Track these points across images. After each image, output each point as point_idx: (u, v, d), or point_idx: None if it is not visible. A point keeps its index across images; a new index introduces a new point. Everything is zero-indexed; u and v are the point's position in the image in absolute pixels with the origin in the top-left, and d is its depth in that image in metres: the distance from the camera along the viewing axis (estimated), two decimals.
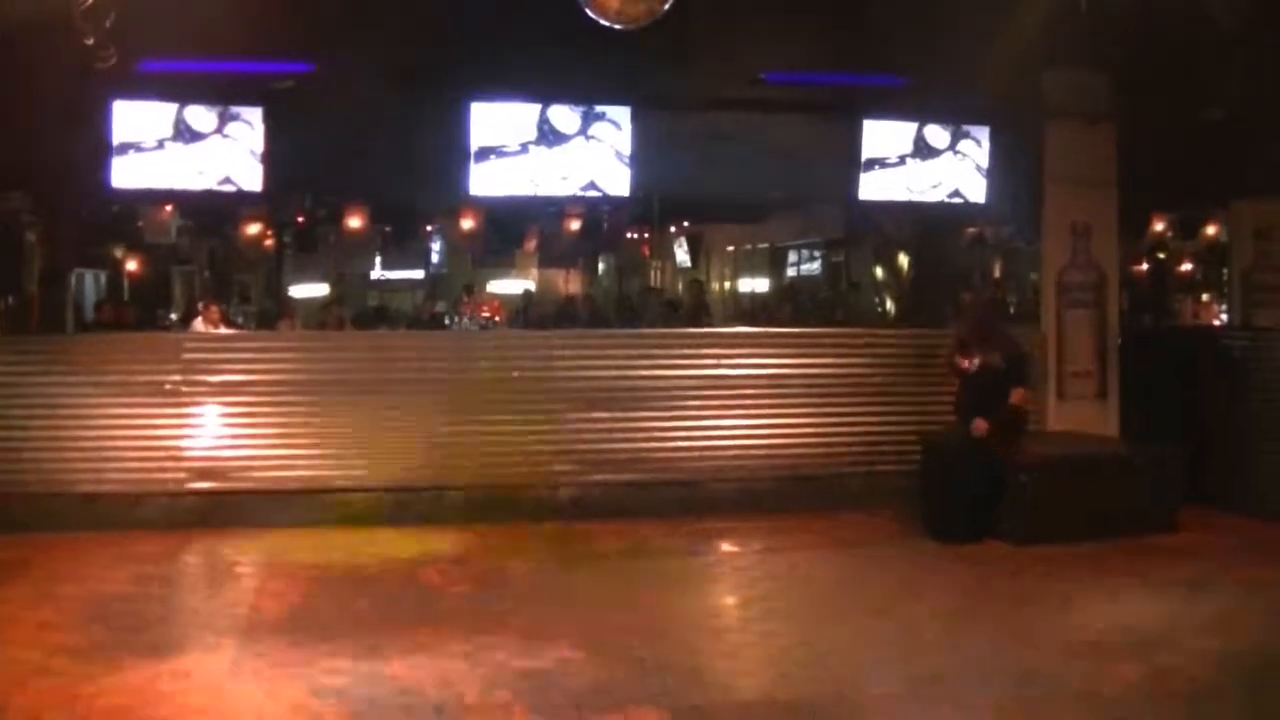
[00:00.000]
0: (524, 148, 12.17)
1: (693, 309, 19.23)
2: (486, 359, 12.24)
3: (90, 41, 9.62)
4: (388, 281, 28.78)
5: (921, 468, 11.39)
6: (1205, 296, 20.90)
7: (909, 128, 12.93)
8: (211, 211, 19.53)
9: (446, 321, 20.89)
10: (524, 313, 21.39)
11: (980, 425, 10.82)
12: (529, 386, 11.99)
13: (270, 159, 11.78)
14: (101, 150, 11.38)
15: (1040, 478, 10.81)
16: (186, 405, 11.44)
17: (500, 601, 8.91)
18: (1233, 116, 12.24)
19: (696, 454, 12.15)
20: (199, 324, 15.10)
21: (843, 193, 13.87)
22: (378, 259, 27.56)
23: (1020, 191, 13.26)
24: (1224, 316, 18.88)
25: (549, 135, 12.20)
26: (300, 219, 21.12)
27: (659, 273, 27.77)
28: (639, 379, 12.11)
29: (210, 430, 11.47)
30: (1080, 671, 7.26)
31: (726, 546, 11.12)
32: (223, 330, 14.85)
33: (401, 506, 11.58)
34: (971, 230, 18.81)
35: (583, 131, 12.26)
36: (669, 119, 12.76)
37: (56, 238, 15.97)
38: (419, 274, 28.54)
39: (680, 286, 26.09)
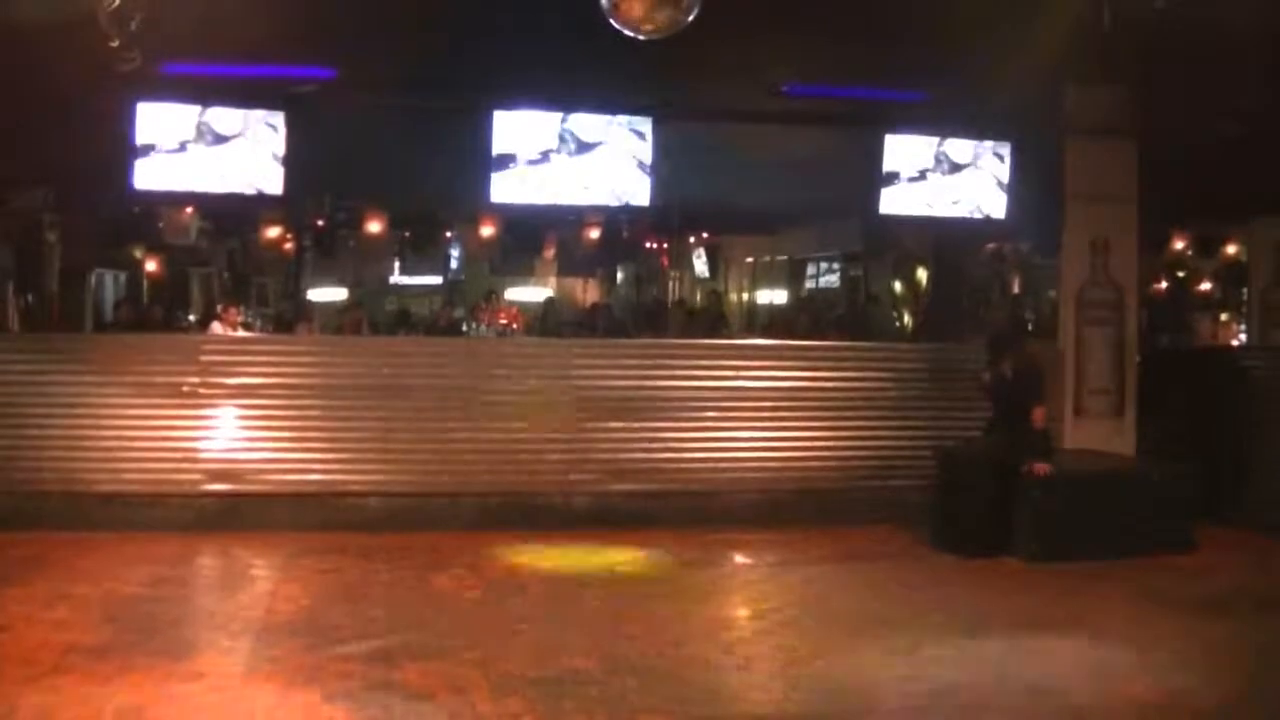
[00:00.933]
0: (545, 156, 12.15)
1: (711, 320, 19.20)
2: (504, 366, 12.26)
3: (115, 43, 9.65)
4: (406, 287, 28.79)
5: (937, 482, 11.38)
6: (1224, 316, 20.85)
7: (930, 142, 12.89)
8: (231, 214, 19.58)
9: (464, 328, 20.87)
10: (544, 320, 21.34)
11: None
12: (546, 394, 12.02)
13: (291, 163, 11.78)
14: (124, 151, 11.40)
15: (1056, 494, 10.79)
16: (204, 407, 11.49)
17: (513, 609, 8.91)
18: (1253, 133, 12.21)
19: (713, 465, 12.18)
20: (217, 326, 15.15)
21: (863, 206, 13.86)
22: (396, 264, 27.58)
23: (1041, 207, 13.23)
24: (1243, 336, 18.85)
25: (570, 144, 12.18)
26: (320, 223, 21.16)
27: (677, 283, 27.76)
28: (656, 389, 12.14)
29: (227, 432, 11.52)
30: (1092, 690, 7.24)
31: (740, 558, 11.13)
32: (241, 333, 14.89)
33: (416, 512, 11.61)
34: (990, 246, 18.79)
35: (604, 141, 12.23)
36: (690, 129, 12.76)
37: (77, 237, 16.04)
38: (437, 280, 28.56)
39: (698, 297, 26.07)
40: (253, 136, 11.70)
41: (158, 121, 11.51)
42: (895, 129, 12.82)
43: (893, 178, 12.85)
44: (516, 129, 12.15)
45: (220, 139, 11.65)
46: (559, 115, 12.16)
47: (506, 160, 12.08)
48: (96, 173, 12.14)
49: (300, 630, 8.18)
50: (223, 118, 11.62)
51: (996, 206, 13.14)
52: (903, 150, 12.88)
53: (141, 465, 11.36)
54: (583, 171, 12.21)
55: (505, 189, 12.20)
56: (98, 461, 11.29)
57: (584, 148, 12.16)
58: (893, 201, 12.92)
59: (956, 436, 11.86)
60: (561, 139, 12.15)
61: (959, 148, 12.95)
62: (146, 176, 11.56)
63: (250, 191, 11.90)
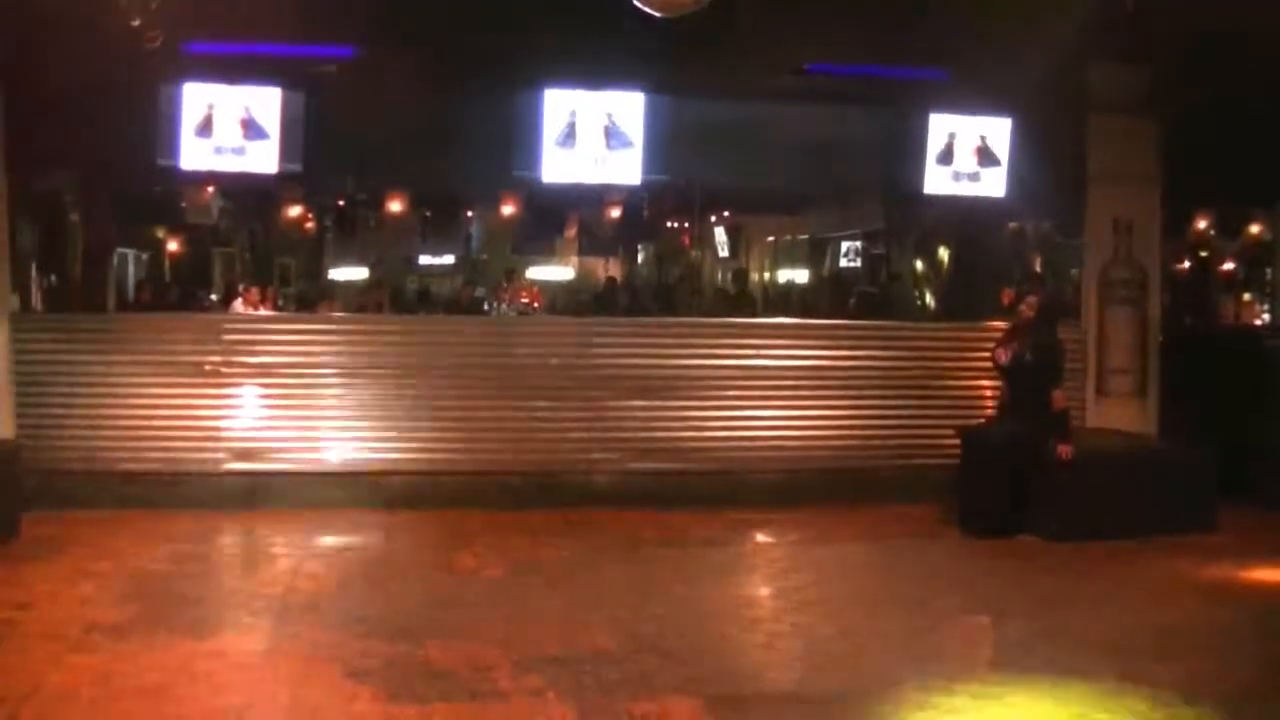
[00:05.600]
0: (570, 134, 12.08)
1: (738, 299, 19.22)
2: (525, 345, 12.26)
3: (136, 23, 9.66)
4: (427, 266, 28.83)
5: (959, 461, 11.35)
6: (1247, 296, 20.76)
7: (961, 121, 12.77)
8: (252, 193, 19.59)
9: (485, 307, 20.89)
10: (605, 299, 21.05)
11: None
12: (567, 373, 12.03)
13: (314, 143, 11.76)
14: (146, 130, 11.41)
15: (1077, 474, 10.75)
16: (225, 386, 11.52)
17: (534, 588, 8.93)
18: (1278, 113, 12.14)
19: (734, 444, 12.17)
20: (239, 305, 15.19)
21: (887, 185, 13.81)
22: (418, 244, 27.61)
23: (1064, 186, 13.18)
24: (1266, 316, 18.78)
25: (594, 123, 12.11)
26: (341, 203, 21.19)
27: (700, 262, 27.76)
28: (678, 367, 12.13)
29: (249, 411, 11.55)
30: (1115, 669, 7.22)
31: (762, 537, 11.12)
32: (262, 312, 14.92)
33: (438, 490, 11.62)
34: (1012, 225, 18.72)
35: (627, 119, 12.16)
36: (714, 108, 12.71)
37: (99, 218, 16.07)
38: (458, 259, 28.60)
39: (719, 276, 26.07)
40: (273, 116, 11.66)
41: (179, 100, 11.51)
42: (918, 107, 12.73)
43: (946, 156, 12.71)
44: (539, 107, 12.10)
45: (242, 118, 11.62)
46: (583, 93, 12.09)
47: (530, 138, 12.04)
48: (119, 152, 12.15)
49: (322, 608, 8.22)
50: (244, 97, 11.60)
51: (1023, 185, 12.98)
52: (940, 129, 12.75)
53: (164, 444, 11.39)
54: (608, 150, 12.14)
55: (531, 166, 12.16)
56: (120, 440, 11.33)
57: (607, 127, 12.11)
58: (935, 180, 12.79)
59: (978, 416, 11.83)
60: (586, 118, 12.08)
61: (987, 126, 12.83)
62: (169, 155, 11.56)
63: (271, 171, 11.88)
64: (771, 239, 27.25)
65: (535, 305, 21.83)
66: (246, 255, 25.02)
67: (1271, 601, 9.02)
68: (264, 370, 11.60)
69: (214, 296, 20.71)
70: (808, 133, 12.94)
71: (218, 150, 11.59)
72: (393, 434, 11.72)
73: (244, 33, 11.14)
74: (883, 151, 13.05)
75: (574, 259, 27.94)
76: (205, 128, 11.50)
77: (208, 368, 11.50)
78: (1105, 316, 12.86)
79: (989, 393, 11.90)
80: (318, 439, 11.61)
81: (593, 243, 25.08)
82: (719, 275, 26.21)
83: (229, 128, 11.55)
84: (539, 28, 11.27)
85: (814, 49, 12.15)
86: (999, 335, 11.43)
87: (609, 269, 26.42)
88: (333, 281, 24.29)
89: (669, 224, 24.85)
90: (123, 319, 13.84)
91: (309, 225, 22.28)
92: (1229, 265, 21.55)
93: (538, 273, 27.38)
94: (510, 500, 11.63)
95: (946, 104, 12.72)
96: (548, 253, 27.33)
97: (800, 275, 26.16)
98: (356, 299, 18.83)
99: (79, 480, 11.10)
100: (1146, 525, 10.72)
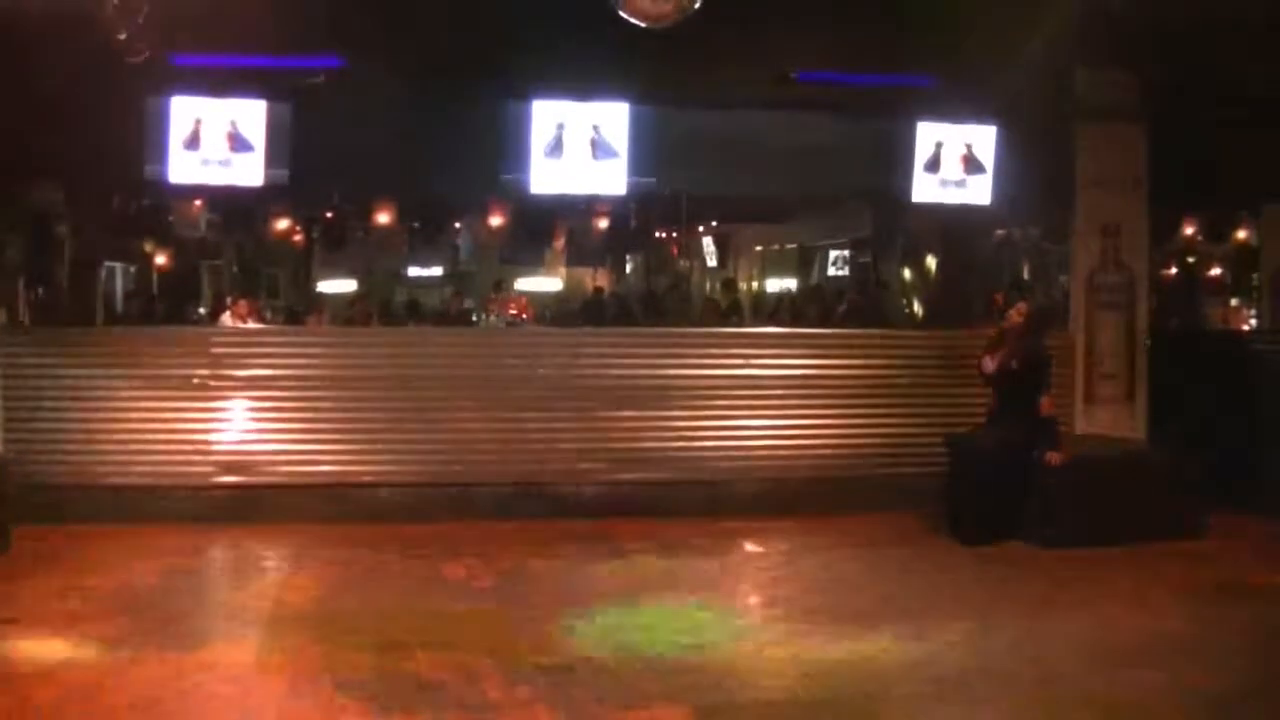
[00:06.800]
0: (557, 145, 12.07)
1: (728, 308, 19.22)
2: (514, 356, 12.25)
3: (122, 36, 9.65)
4: (416, 278, 28.81)
5: (948, 469, 11.35)
6: (1234, 300, 20.79)
7: (949, 129, 12.76)
8: (240, 206, 19.56)
9: (474, 318, 20.88)
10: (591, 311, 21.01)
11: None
12: (556, 383, 12.02)
13: (301, 155, 11.74)
14: (134, 143, 11.39)
15: (1066, 481, 10.76)
16: (214, 399, 11.50)
17: (524, 598, 8.92)
18: (1265, 118, 12.16)
19: (723, 453, 12.16)
20: (227, 319, 15.16)
21: (875, 193, 13.81)
22: (406, 256, 27.59)
23: (1051, 193, 13.19)
24: (1253, 321, 18.80)
25: (581, 134, 12.10)
26: (329, 215, 21.16)
27: (688, 272, 27.78)
28: (667, 377, 12.12)
29: (237, 424, 11.53)
30: (1103, 677, 7.23)
31: (751, 546, 11.11)
32: (250, 325, 14.89)
33: (427, 502, 11.61)
34: (1000, 232, 18.75)
35: (614, 130, 12.15)
36: (701, 118, 12.69)
37: (87, 230, 16.03)
38: (447, 271, 28.60)
39: (707, 286, 26.08)
40: (260, 128, 11.63)
41: (165, 113, 11.49)
42: (905, 115, 12.73)
43: (933, 164, 12.71)
44: (527, 118, 12.09)
45: (227, 131, 11.60)
46: (570, 104, 12.08)
47: (518, 149, 12.02)
48: (107, 165, 12.12)
49: (311, 620, 8.21)
50: (229, 109, 11.58)
51: (1010, 193, 12.96)
52: (928, 137, 12.74)
53: (153, 458, 11.37)
54: (594, 161, 12.11)
55: (519, 177, 12.15)
56: (109, 454, 11.31)
57: (593, 138, 12.10)
58: (923, 188, 12.78)
59: (967, 423, 11.83)
60: (573, 128, 12.07)
61: (975, 134, 12.83)
62: (157, 168, 11.54)
63: (258, 184, 11.84)
64: (759, 248, 27.28)
65: (524, 316, 21.80)
66: (234, 268, 25.00)
67: (1260, 607, 9.01)
68: (252, 383, 11.58)
69: (202, 309, 20.68)
70: (795, 141, 12.90)
71: (204, 163, 11.56)
72: (381, 446, 11.70)
73: (230, 45, 11.13)
74: (870, 159, 13.03)
75: (562, 269, 27.95)
76: (192, 140, 11.47)
77: (196, 381, 11.48)
78: (1093, 322, 12.89)
79: (977, 400, 11.90)
80: (306, 451, 11.59)
81: (581, 253, 25.07)
82: (707, 284, 26.22)
83: (215, 140, 11.53)
84: (525, 39, 11.26)
85: (801, 58, 12.16)
86: (986, 343, 11.44)
87: (597, 279, 26.42)
88: (321, 294, 24.23)
89: (657, 234, 24.87)
90: (111, 332, 13.83)
91: (296, 237, 22.25)
92: (1216, 270, 21.59)
93: (526, 283, 27.37)
94: (500, 511, 11.62)
95: (933, 112, 12.72)
96: (536, 264, 27.30)
97: (789, 284, 26.16)
98: (344, 311, 18.77)
99: (68, 494, 11.08)
100: (1136, 531, 10.73)
